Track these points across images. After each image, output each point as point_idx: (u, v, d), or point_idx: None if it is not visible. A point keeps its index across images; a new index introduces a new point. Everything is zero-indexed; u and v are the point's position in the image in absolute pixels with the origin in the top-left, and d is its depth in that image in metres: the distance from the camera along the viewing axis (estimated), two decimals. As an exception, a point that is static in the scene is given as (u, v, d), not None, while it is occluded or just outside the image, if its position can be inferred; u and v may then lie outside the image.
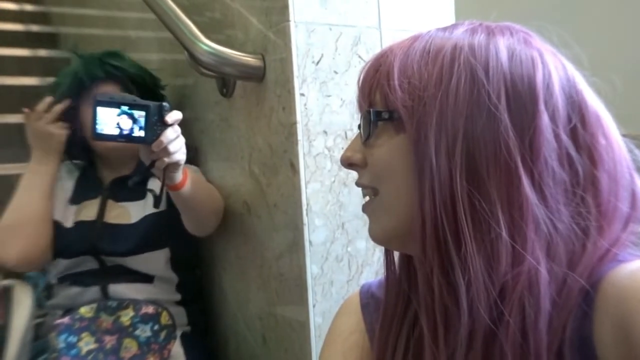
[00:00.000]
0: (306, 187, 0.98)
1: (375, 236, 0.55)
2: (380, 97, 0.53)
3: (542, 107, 0.48)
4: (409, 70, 0.51)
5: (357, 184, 0.57)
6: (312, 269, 0.99)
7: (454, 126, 0.48)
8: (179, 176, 1.07)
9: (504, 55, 0.49)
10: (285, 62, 0.98)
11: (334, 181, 1.01)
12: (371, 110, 0.52)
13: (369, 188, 0.55)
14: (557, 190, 0.48)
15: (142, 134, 0.97)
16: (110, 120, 0.95)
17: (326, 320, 1.00)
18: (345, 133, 1.02)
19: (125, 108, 0.97)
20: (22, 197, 1.22)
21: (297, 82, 0.97)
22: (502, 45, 0.50)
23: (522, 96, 0.48)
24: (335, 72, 1.01)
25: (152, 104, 0.98)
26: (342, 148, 1.02)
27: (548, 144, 0.47)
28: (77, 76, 1.27)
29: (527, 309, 0.45)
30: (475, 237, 0.47)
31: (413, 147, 0.49)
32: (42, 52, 2.21)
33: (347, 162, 0.56)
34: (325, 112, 1.00)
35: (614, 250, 0.48)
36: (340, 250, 1.02)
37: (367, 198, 0.56)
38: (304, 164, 0.98)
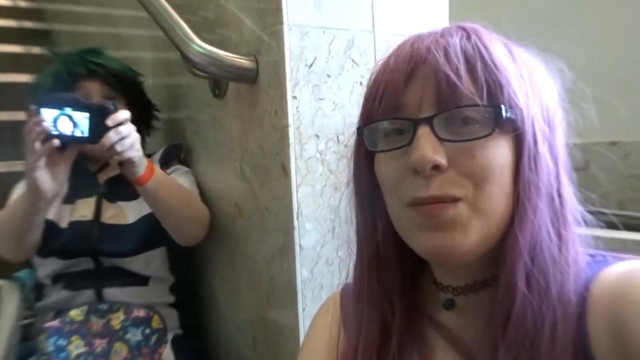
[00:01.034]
0: (297, 191, 0.98)
1: (470, 248, 0.48)
2: (489, 92, 0.47)
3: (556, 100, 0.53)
4: (511, 70, 0.49)
5: (432, 196, 0.47)
6: (302, 272, 0.99)
7: (550, 121, 0.50)
8: (139, 171, 1.08)
9: (534, 53, 0.53)
10: (278, 65, 0.98)
11: (325, 185, 1.01)
12: (502, 106, 0.47)
13: (453, 198, 0.47)
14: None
15: (85, 134, 0.98)
16: (54, 121, 0.97)
17: (316, 324, 0.99)
18: (337, 137, 1.01)
19: (68, 110, 0.97)
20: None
21: (289, 85, 0.97)
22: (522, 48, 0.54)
23: (552, 89, 0.52)
24: (328, 76, 1.00)
25: (94, 105, 1.00)
26: (334, 152, 1.01)
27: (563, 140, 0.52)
28: (59, 75, 1.26)
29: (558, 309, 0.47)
30: (565, 240, 0.48)
31: (529, 147, 0.48)
32: (36, 50, 2.20)
33: (432, 164, 0.47)
34: (318, 116, 1.00)
35: (592, 251, 0.50)
36: (330, 254, 1.01)
37: (433, 208, 0.48)
38: (296, 167, 0.97)
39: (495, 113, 0.47)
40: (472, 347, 0.51)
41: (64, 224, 1.25)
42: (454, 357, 0.53)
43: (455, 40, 0.49)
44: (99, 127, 0.99)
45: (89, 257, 1.22)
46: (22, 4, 2.44)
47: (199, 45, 1.02)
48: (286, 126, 0.97)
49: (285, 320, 1.03)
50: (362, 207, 0.57)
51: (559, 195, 0.49)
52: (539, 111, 0.50)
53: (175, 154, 1.37)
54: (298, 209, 0.98)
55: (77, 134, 0.99)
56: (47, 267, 1.24)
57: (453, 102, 0.48)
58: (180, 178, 1.30)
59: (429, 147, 0.47)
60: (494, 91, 0.47)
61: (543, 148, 0.49)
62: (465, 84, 0.47)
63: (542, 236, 0.47)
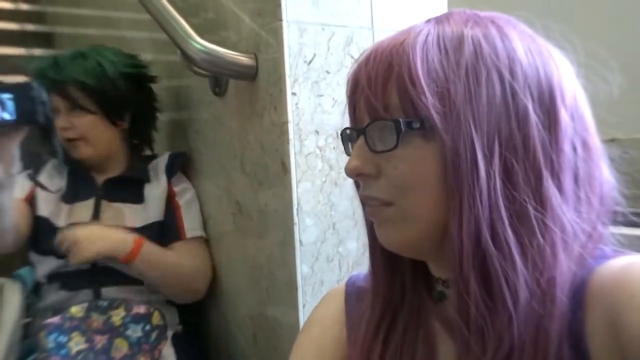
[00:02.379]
0: (297, 187, 0.98)
1: (393, 244, 0.52)
2: (401, 101, 0.48)
3: (560, 103, 0.48)
4: (431, 70, 0.47)
5: (366, 196, 0.52)
6: (302, 268, 0.99)
7: (489, 130, 0.46)
8: (117, 257, 1.16)
9: (521, 51, 0.48)
10: (278, 62, 0.98)
11: (325, 181, 1.01)
12: (401, 120, 0.47)
13: (383, 201, 0.50)
14: (573, 185, 0.48)
15: (13, 116, 0.97)
16: None
17: (316, 320, 0.99)
18: (337, 133, 1.02)
19: None
20: None
21: (289, 82, 0.97)
22: (517, 41, 0.49)
23: (544, 90, 0.48)
24: (327, 72, 1.01)
25: (16, 85, 0.99)
26: (334, 148, 1.02)
27: (568, 140, 0.48)
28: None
29: (547, 306, 0.45)
30: (515, 239, 0.46)
31: (450, 155, 0.46)
32: (38, 52, 2.21)
33: (356, 173, 0.51)
34: (317, 112, 1.00)
35: (599, 246, 0.49)
36: (330, 250, 1.02)
37: (373, 207, 0.52)
38: (295, 163, 0.98)
39: (396, 127, 0.48)
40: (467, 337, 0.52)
41: (60, 222, 1.25)
42: (453, 346, 0.53)
43: (386, 49, 0.50)
44: (24, 107, 0.98)
45: None
46: (24, 7, 2.46)
47: (199, 43, 1.03)
48: (286, 122, 0.98)
49: (286, 317, 1.03)
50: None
51: (508, 193, 0.47)
52: (478, 111, 0.46)
53: (180, 164, 1.37)
54: (298, 205, 0.98)
55: (6, 116, 0.98)
56: (45, 266, 1.24)
57: (372, 115, 0.50)
58: (188, 212, 1.30)
59: (356, 157, 0.51)
60: (405, 103, 0.48)
61: (477, 150, 0.46)
62: (379, 98, 0.49)
63: (483, 234, 0.46)
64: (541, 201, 0.46)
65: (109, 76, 1.29)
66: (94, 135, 1.29)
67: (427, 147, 0.48)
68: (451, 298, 0.54)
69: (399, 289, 0.57)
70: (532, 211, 0.46)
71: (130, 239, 1.17)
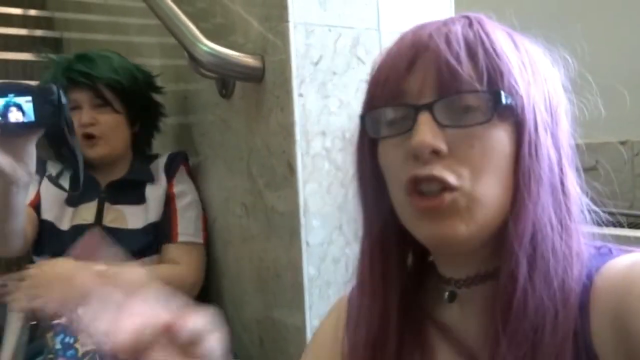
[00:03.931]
0: (304, 188, 0.98)
1: (456, 238, 0.48)
2: (491, 80, 0.47)
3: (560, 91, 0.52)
4: (512, 58, 0.49)
5: (428, 176, 0.47)
6: (309, 270, 0.98)
7: (553, 111, 0.50)
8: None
9: (539, 44, 0.53)
10: (284, 63, 0.99)
11: (331, 182, 1.01)
12: (502, 92, 0.47)
13: (447, 184, 0.47)
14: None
15: (32, 119, 0.96)
16: (3, 109, 0.96)
17: (323, 322, 0.99)
18: (344, 134, 1.02)
19: (11, 96, 0.97)
20: None
21: (295, 83, 0.97)
22: (526, 38, 0.53)
23: (556, 80, 0.52)
24: (334, 74, 1.01)
25: (35, 88, 0.97)
26: (340, 149, 1.02)
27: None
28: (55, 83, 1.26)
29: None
30: (561, 240, 0.48)
31: (529, 135, 0.47)
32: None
33: (431, 149, 0.47)
34: (324, 113, 1.00)
35: (598, 243, 0.50)
36: (337, 252, 1.01)
37: (429, 195, 0.47)
38: (302, 164, 0.98)
39: (494, 99, 0.47)
40: (473, 345, 0.51)
41: (64, 226, 1.26)
42: (449, 352, 0.53)
43: (457, 28, 0.49)
44: (43, 110, 0.98)
45: None
46: (33, 13, 2.48)
47: (207, 45, 1.03)
48: (292, 124, 0.98)
49: (292, 319, 1.03)
50: (365, 199, 0.57)
51: (562, 185, 0.49)
52: (541, 100, 0.49)
53: (178, 162, 1.37)
54: (305, 206, 0.98)
55: (25, 119, 0.98)
56: None
57: (454, 88, 0.47)
58: (183, 216, 1.30)
59: (428, 132, 0.46)
60: (494, 77, 0.47)
61: (545, 137, 0.48)
62: (465, 70, 0.47)
63: (543, 225, 0.47)
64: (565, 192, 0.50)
65: (138, 78, 1.32)
66: (115, 135, 1.30)
67: (505, 127, 0.47)
68: (462, 299, 0.54)
69: (394, 300, 0.55)
70: (575, 207, 0.49)
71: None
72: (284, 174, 1.01)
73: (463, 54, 0.47)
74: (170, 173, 1.34)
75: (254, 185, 1.12)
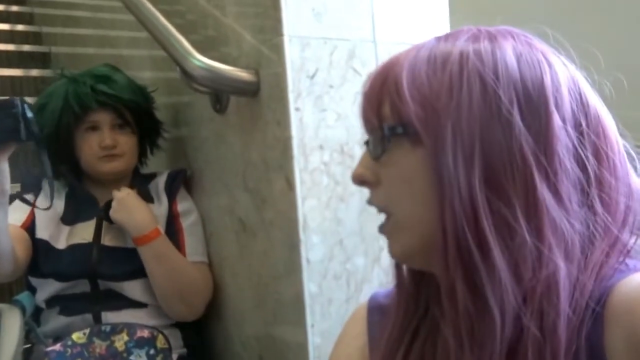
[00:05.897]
0: (302, 204, 0.96)
1: (397, 255, 0.54)
2: (391, 111, 0.50)
3: (553, 108, 0.48)
4: (417, 80, 0.49)
5: (370, 202, 0.55)
6: (309, 287, 0.97)
7: (470, 135, 0.47)
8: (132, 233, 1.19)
9: (511, 60, 0.49)
10: (280, 77, 0.97)
11: (331, 197, 0.99)
12: (384, 125, 0.50)
13: (382, 209, 0.53)
14: (572, 190, 0.48)
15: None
16: None
17: (325, 340, 0.97)
18: (342, 148, 1.00)
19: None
20: None
21: (291, 97, 0.96)
22: (509, 49, 0.49)
23: (533, 99, 0.48)
24: (331, 86, 1.00)
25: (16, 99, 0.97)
26: (339, 163, 1.00)
27: (561, 145, 0.48)
28: (68, 102, 1.24)
29: (546, 313, 0.45)
30: (499, 244, 0.46)
31: (432, 160, 0.48)
32: (34, 72, 2.20)
33: (359, 180, 0.54)
34: (321, 127, 0.99)
35: (622, 257, 0.48)
36: (338, 267, 0.99)
37: (384, 216, 0.54)
38: (300, 179, 0.96)
39: (382, 132, 0.50)
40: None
41: (60, 244, 1.23)
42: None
43: (388, 63, 0.53)
44: (5, 124, 0.96)
45: (86, 280, 1.20)
46: (20, 28, 2.46)
47: (198, 59, 1.01)
48: (289, 138, 0.96)
49: (294, 337, 1.01)
50: None
51: (493, 197, 0.47)
52: (456, 120, 0.47)
53: (180, 181, 1.35)
54: (304, 222, 0.96)
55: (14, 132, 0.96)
56: (45, 289, 1.22)
57: (372, 124, 0.53)
58: (191, 236, 1.28)
59: (359, 165, 0.54)
60: (393, 113, 0.50)
61: (458, 155, 0.47)
62: (375, 108, 0.52)
63: (466, 239, 0.46)
64: (533, 205, 0.46)
65: (146, 96, 1.34)
66: (132, 154, 1.32)
67: (415, 153, 0.49)
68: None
69: (423, 300, 0.57)
70: (519, 215, 0.46)
71: (151, 225, 1.19)
72: (282, 189, 0.99)
73: (374, 95, 0.52)
74: (172, 191, 1.31)
75: (251, 201, 1.10)
